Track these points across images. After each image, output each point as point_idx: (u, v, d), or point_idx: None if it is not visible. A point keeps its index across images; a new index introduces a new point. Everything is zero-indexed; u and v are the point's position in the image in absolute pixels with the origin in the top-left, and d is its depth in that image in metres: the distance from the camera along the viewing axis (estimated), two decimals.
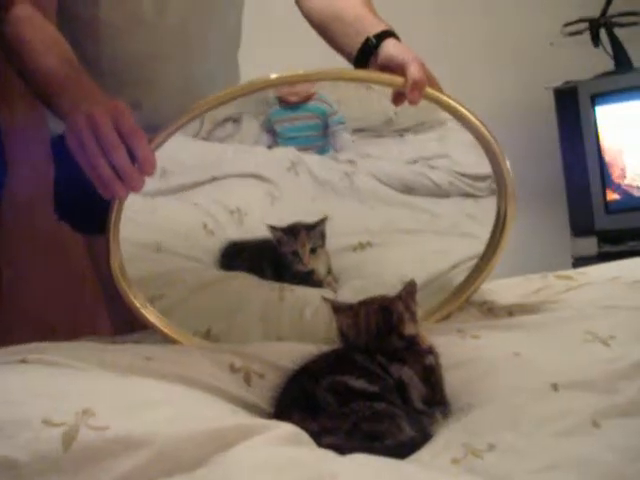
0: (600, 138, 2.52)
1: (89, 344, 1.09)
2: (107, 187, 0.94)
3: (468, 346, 1.08)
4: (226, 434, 0.73)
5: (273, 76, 1.00)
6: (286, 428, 0.80)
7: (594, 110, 2.51)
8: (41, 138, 1.57)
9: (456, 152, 1.76)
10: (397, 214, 1.64)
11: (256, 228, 1.48)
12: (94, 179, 0.94)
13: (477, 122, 1.09)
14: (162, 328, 1.12)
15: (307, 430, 0.83)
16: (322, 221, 1.42)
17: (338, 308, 1.00)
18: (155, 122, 1.01)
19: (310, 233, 1.40)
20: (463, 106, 1.08)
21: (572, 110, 2.52)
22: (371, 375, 0.91)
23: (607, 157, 2.53)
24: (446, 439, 0.85)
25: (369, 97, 1.82)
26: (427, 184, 1.71)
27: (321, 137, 1.73)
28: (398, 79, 1.04)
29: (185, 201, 1.51)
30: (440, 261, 1.40)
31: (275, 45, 1.99)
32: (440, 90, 1.08)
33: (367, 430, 0.84)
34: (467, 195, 1.69)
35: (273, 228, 1.40)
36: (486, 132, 1.10)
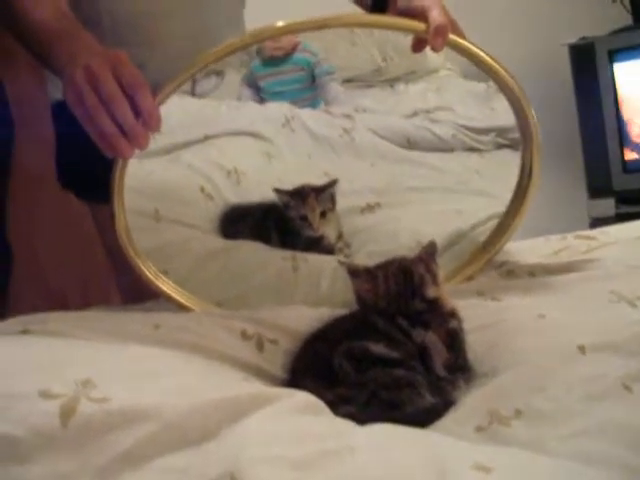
0: (618, 95, 2.46)
1: (97, 313, 1.05)
2: (110, 145, 0.87)
3: (489, 309, 1.04)
4: (237, 404, 0.69)
5: (280, 24, 0.94)
6: (301, 397, 0.76)
7: (612, 67, 2.45)
8: (44, 105, 1.52)
9: (457, 104, 1.71)
10: (401, 171, 1.59)
11: (254, 189, 1.43)
12: (96, 137, 0.88)
13: (501, 70, 1.03)
14: (173, 295, 1.08)
15: (323, 399, 0.79)
16: (332, 183, 1.35)
17: (355, 272, 0.96)
18: (161, 83, 0.95)
19: (319, 196, 1.34)
20: (487, 53, 1.02)
21: (589, 67, 2.46)
22: (391, 340, 0.87)
23: (625, 115, 2.47)
24: (470, 406, 0.81)
25: (355, 47, 1.77)
26: (430, 138, 1.66)
27: (309, 89, 1.68)
28: (420, 25, 0.98)
29: (179, 163, 1.46)
30: (458, 221, 1.34)
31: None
32: (463, 36, 1.02)
33: (386, 399, 0.81)
34: (472, 149, 1.65)
35: (279, 192, 1.34)
36: (511, 80, 1.04)
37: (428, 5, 0.98)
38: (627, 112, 2.47)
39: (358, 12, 1.10)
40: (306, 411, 0.73)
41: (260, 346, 0.94)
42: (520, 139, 1.12)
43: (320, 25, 0.95)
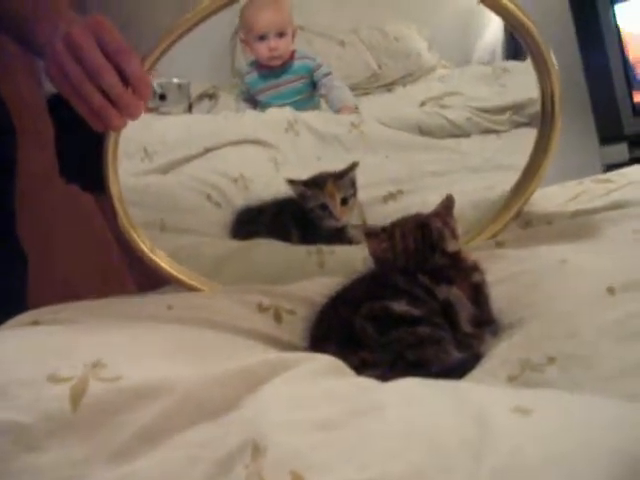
0: (622, 36, 2.39)
1: (109, 301, 1.02)
2: (100, 117, 0.83)
3: (511, 259, 1.01)
4: (255, 372, 0.66)
5: None
6: (322, 360, 0.73)
7: (613, 7, 2.38)
8: (40, 100, 1.50)
9: (466, 87, 1.65)
10: (420, 158, 1.52)
11: (264, 195, 1.37)
12: (83, 111, 0.83)
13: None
14: (179, 276, 1.04)
15: (346, 364, 0.76)
16: (351, 167, 1.29)
17: (370, 233, 0.93)
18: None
19: (338, 182, 1.27)
20: None
21: (590, 9, 2.39)
22: (413, 298, 0.84)
23: (631, 56, 2.41)
24: (499, 357, 0.78)
25: (346, 53, 1.71)
26: (443, 124, 1.60)
27: (311, 98, 1.62)
28: None
29: (181, 176, 1.41)
30: (488, 195, 1.26)
31: None
32: None
33: (412, 359, 0.78)
34: (489, 131, 1.59)
35: (293, 182, 1.28)
36: (518, 11, 1.00)
37: None
38: (632, 53, 2.41)
39: None
40: (329, 374, 0.70)
41: (278, 317, 0.92)
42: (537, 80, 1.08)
43: None
